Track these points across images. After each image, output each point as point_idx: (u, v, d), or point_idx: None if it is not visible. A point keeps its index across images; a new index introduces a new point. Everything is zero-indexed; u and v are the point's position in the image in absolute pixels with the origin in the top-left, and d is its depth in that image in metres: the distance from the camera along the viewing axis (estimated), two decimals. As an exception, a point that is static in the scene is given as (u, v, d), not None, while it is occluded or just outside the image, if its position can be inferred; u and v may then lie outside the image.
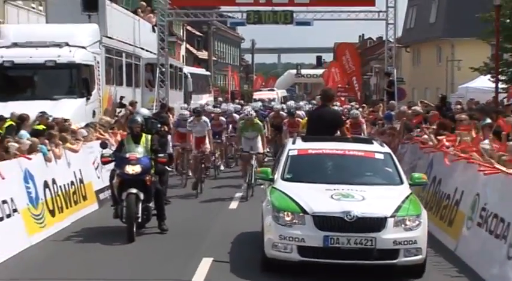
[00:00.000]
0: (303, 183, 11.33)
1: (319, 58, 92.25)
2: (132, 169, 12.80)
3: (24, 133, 14.45)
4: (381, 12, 30.51)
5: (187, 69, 37.74)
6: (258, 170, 13.71)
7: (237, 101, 35.96)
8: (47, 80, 22.20)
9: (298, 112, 22.88)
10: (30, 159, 13.15)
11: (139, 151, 13.06)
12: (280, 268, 10.59)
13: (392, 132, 19.36)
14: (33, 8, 34.10)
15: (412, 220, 10.42)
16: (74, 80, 22.48)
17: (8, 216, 11.97)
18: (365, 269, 10.49)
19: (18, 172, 12.80)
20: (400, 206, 10.51)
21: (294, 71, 76.38)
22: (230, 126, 22.28)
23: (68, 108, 20.50)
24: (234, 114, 23.16)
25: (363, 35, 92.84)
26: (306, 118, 18.24)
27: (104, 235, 13.04)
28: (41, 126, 15.96)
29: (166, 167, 15.51)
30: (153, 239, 12.98)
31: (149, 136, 13.48)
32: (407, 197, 10.81)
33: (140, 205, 12.86)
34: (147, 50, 30.28)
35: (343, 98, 37.09)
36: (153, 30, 31.36)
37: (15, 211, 12.24)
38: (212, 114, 21.40)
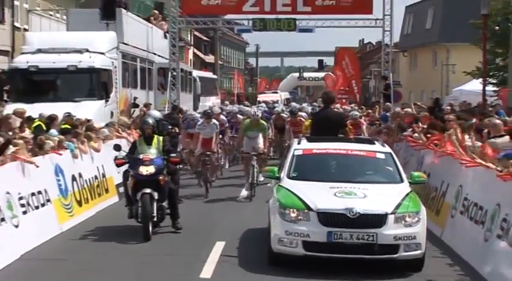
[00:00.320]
0: (307, 181, 11.31)
1: (320, 62, 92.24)
2: (146, 170, 12.63)
3: (53, 132, 15.13)
4: (378, 20, 30.74)
5: (196, 73, 37.99)
6: (265, 169, 13.36)
7: (246, 103, 36.18)
8: (69, 84, 22.46)
9: (300, 113, 22.79)
10: (61, 154, 13.92)
11: (152, 152, 12.89)
12: (286, 262, 10.59)
13: (387, 131, 19.83)
14: (54, 16, 34.60)
15: (411, 216, 10.44)
16: (93, 83, 22.73)
17: (43, 205, 12.72)
18: (367, 263, 10.51)
19: (50, 166, 13.52)
20: (400, 203, 10.54)
21: (297, 74, 75.97)
22: (234, 128, 22.05)
23: (89, 110, 20.77)
24: (238, 116, 23.25)
25: (363, 39, 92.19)
26: (310, 120, 18.50)
27: (124, 225, 13.24)
28: (66, 126, 16.39)
29: (179, 166, 15.28)
30: (168, 237, 12.83)
31: (161, 137, 13.35)
32: (407, 195, 10.85)
33: (155, 204, 12.65)
34: (159, 55, 30.56)
35: (344, 100, 37.46)
36: (165, 37, 31.70)
37: (48, 201, 13.00)
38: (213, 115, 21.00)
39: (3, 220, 10.90)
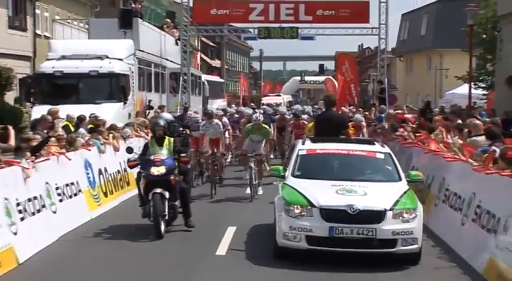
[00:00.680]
0: (311, 179, 11.29)
1: (321, 66, 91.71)
2: (157, 170, 12.47)
3: (82, 130, 16.21)
4: (374, 29, 31.48)
5: (204, 77, 38.41)
6: (270, 168, 13.45)
7: (252, 105, 36.80)
8: (90, 87, 22.86)
9: (303, 116, 22.89)
10: (90, 150, 14.97)
11: (163, 153, 12.71)
12: (291, 256, 10.61)
13: (382, 131, 20.77)
14: (75, 25, 35.21)
15: (409, 212, 10.45)
16: (113, 87, 23.14)
17: (75, 195, 13.72)
18: (366, 256, 10.55)
19: (80, 161, 14.50)
20: (398, 200, 10.55)
21: (298, 78, 75.74)
22: (238, 128, 22.13)
23: (109, 111, 21.19)
24: (235, 115, 23.94)
25: (362, 44, 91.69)
26: (312, 122, 18.27)
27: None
28: (91, 125, 17.24)
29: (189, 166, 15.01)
30: (180, 234, 12.74)
31: (172, 138, 13.18)
32: (405, 193, 10.87)
33: (166, 203, 12.44)
34: (171, 61, 31.13)
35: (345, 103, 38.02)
36: (176, 44, 32.38)
37: (79, 191, 13.98)
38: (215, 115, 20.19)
39: (43, 206, 11.90)
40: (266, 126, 17.89)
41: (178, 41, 32.51)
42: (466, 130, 14.48)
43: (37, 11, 33.37)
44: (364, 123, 21.46)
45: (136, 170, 13.35)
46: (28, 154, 11.95)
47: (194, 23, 33.05)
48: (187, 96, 31.01)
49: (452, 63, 44.21)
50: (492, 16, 32.24)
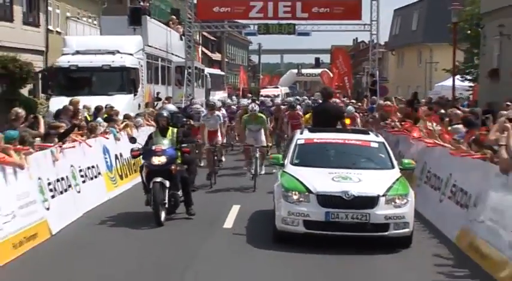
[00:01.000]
0: (308, 167, 11.35)
1: (317, 59, 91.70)
2: (158, 160, 12.36)
3: (99, 120, 17.15)
4: (366, 25, 32.52)
5: (207, 70, 39.23)
6: (270, 156, 13.46)
7: (249, 95, 37.66)
8: (103, 80, 23.54)
9: (297, 107, 22.71)
10: (107, 138, 16.01)
11: (164, 143, 12.61)
12: (289, 239, 10.71)
13: (372, 121, 21.55)
14: (87, 22, 36.01)
15: (400, 198, 10.55)
16: (124, 80, 23.82)
17: (96, 177, 14.69)
18: (360, 240, 10.65)
19: (99, 147, 15.46)
20: (390, 186, 10.63)
21: (295, 71, 76.33)
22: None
23: (120, 102, 21.71)
24: (232, 107, 24.47)
25: (357, 38, 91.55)
26: (309, 114, 18.53)
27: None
28: (105, 115, 18.17)
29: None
30: (181, 222, 12.67)
31: (175, 129, 13.09)
32: (397, 179, 10.97)
33: (166, 192, 12.30)
34: (176, 55, 31.97)
35: (338, 95, 38.86)
36: (181, 39, 33.20)
37: (99, 173, 14.94)
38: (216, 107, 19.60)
39: (70, 186, 12.98)
40: (262, 115, 17.77)
41: (182, 37, 33.32)
42: (447, 119, 15.50)
43: (49, 8, 33.91)
44: (357, 114, 21.71)
45: None
46: (56, 139, 13.06)
47: (197, 20, 33.92)
48: (191, 88, 31.89)
49: (441, 57, 44.52)
50: (477, 13, 32.92)
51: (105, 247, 10.93)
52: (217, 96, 37.76)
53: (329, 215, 10.37)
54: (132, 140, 13.56)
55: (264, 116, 17.86)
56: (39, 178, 11.58)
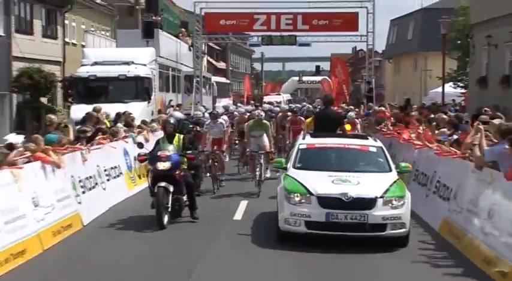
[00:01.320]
0: (310, 171, 11.48)
1: (317, 67, 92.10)
2: (162, 165, 12.39)
3: (120, 125, 18.13)
4: (362, 36, 33.54)
5: (213, 79, 40.25)
6: (274, 160, 13.50)
7: (252, 102, 38.60)
8: (119, 89, 24.49)
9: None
10: (127, 142, 17.06)
11: (169, 149, 12.60)
12: (292, 239, 10.85)
13: (368, 125, 22.51)
14: (103, 34, 37.20)
15: (397, 200, 10.69)
16: (138, 88, 24.81)
17: (118, 176, 15.83)
18: (359, 239, 10.80)
19: (121, 149, 16.55)
20: (388, 189, 10.79)
21: (296, 78, 75.76)
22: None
23: (135, 109, 22.37)
24: (235, 113, 23.81)
25: (355, 47, 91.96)
26: (309, 119, 18.47)
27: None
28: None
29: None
30: (185, 225, 12.68)
31: (181, 136, 13.15)
32: (394, 182, 11.11)
33: (170, 196, 12.31)
34: (185, 65, 33.08)
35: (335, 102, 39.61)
36: (189, 50, 34.37)
37: (120, 173, 16.06)
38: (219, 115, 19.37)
39: (96, 184, 14.15)
40: (266, 121, 17.72)
41: (191, 48, 34.48)
42: (434, 123, 16.60)
43: (66, 22, 35.17)
44: (357, 120, 21.76)
45: None
46: (84, 142, 14.30)
47: (205, 32, 34.99)
48: (199, 96, 32.93)
49: (435, 65, 43.59)
50: (469, 24, 33.52)
51: (131, 238, 11.97)
52: (223, 103, 38.01)
53: (329, 216, 10.53)
54: (139, 145, 13.78)
55: (268, 123, 17.78)
56: (72, 176, 12.82)
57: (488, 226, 10.03)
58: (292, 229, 10.79)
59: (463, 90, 36.91)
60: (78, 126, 15.69)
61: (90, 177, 13.95)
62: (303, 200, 10.71)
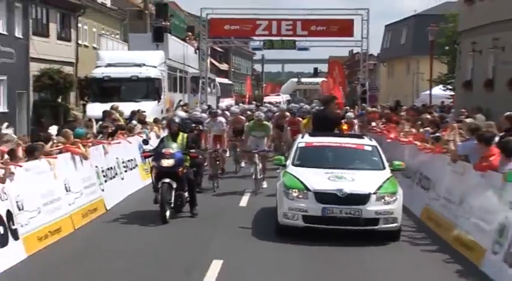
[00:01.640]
0: (308, 168, 11.67)
1: (315, 69, 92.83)
2: (166, 162, 12.46)
3: (134, 122, 19.33)
4: (357, 41, 34.74)
5: (217, 80, 41.45)
6: (274, 158, 13.56)
7: (254, 102, 39.63)
8: (131, 89, 25.34)
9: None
10: (142, 137, 18.18)
11: (173, 147, 12.68)
12: (290, 232, 11.04)
13: (361, 124, 23.39)
14: (114, 37, 38.49)
15: (390, 196, 10.91)
16: (149, 88, 25.72)
17: (134, 168, 17.02)
18: (353, 233, 11.00)
19: (136, 144, 17.63)
20: (381, 185, 10.99)
21: (295, 80, 76.60)
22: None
23: (146, 108, 23.12)
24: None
25: (352, 50, 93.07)
26: (306, 119, 18.39)
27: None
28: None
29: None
30: (185, 221, 12.75)
31: (185, 134, 13.28)
32: (387, 179, 11.35)
33: (173, 192, 12.41)
34: (191, 67, 34.18)
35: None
36: (195, 52, 35.50)
37: (136, 165, 17.22)
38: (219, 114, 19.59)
39: (116, 174, 15.41)
40: (266, 122, 17.65)
41: (197, 50, 35.62)
42: (419, 122, 17.86)
43: (79, 25, 36.30)
44: (354, 120, 21.96)
45: None
46: (106, 137, 15.59)
47: (210, 36, 36.03)
48: (204, 96, 34.06)
49: (427, 69, 43.23)
50: (456, 31, 34.67)
51: (145, 223, 12.85)
52: (225, 102, 39.44)
53: (325, 210, 10.73)
54: (145, 142, 14.24)
55: (269, 124, 17.67)
56: (96, 166, 14.13)
57: (460, 210, 11.31)
58: (290, 223, 10.98)
59: (452, 93, 37.90)
60: (99, 122, 16.93)
61: (111, 168, 15.21)
62: (300, 196, 10.89)
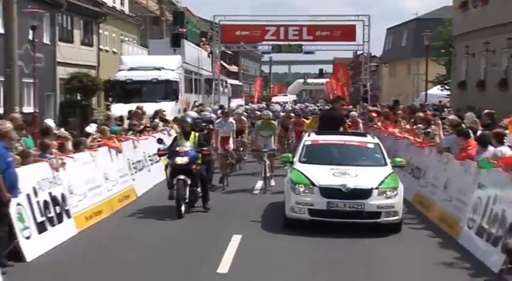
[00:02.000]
0: (313, 164, 11.83)
1: (321, 70, 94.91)
2: (181, 160, 12.66)
3: (157, 120, 20.57)
4: (359, 45, 36.15)
5: (229, 81, 42.60)
6: (281, 155, 13.68)
7: (263, 102, 40.43)
8: (152, 90, 26.21)
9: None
10: (164, 134, 19.31)
11: (187, 145, 12.90)
12: (297, 225, 11.22)
13: (362, 122, 25.02)
14: (131, 41, 39.81)
15: (391, 191, 11.10)
16: (168, 90, 26.55)
17: (158, 161, 17.69)
18: (356, 225, 11.18)
19: (154, 141, 18.59)
20: (383, 181, 11.18)
21: (301, 80, 78.51)
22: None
23: (165, 108, 23.74)
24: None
25: (356, 51, 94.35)
26: (310, 120, 19.21)
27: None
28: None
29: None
30: (198, 215, 12.97)
31: (197, 133, 13.41)
32: (389, 175, 11.53)
33: (188, 188, 12.61)
34: (205, 70, 35.42)
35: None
36: (208, 56, 36.81)
37: (160, 159, 17.61)
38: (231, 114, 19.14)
39: (144, 166, 16.87)
40: (274, 122, 17.77)
41: (210, 54, 36.95)
42: (412, 120, 19.24)
43: (100, 31, 37.69)
44: (358, 119, 21.83)
45: None
46: (136, 133, 17.15)
47: (222, 41, 37.50)
48: (217, 97, 35.44)
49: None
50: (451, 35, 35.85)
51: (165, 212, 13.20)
52: (236, 102, 40.47)
53: (330, 204, 10.92)
54: (159, 140, 14.15)
55: (276, 123, 17.83)
56: (128, 159, 15.66)
57: (444, 194, 12.81)
58: (297, 216, 11.18)
59: (449, 93, 39.10)
60: (128, 121, 18.43)
61: (139, 161, 16.69)
62: (306, 191, 11.07)
